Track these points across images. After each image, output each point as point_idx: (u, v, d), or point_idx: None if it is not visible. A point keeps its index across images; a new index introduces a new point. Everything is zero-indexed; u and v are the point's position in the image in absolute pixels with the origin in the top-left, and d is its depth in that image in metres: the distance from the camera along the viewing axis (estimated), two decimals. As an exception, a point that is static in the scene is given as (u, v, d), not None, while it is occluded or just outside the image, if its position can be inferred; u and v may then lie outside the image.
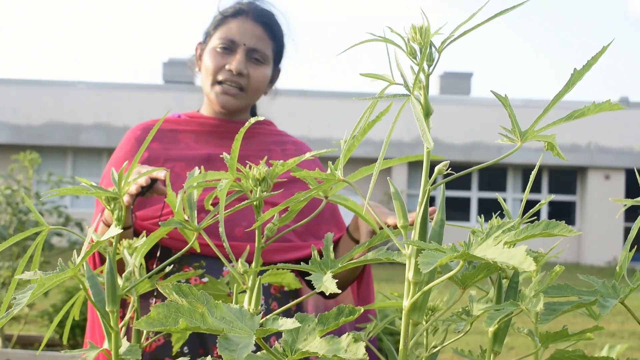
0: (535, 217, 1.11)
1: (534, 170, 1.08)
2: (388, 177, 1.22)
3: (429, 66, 1.03)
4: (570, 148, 21.72)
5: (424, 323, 1.16)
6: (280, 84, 2.47)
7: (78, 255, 1.21)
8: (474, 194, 23.09)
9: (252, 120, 1.27)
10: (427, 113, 1.02)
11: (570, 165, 22.59)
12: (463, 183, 22.78)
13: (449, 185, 22.75)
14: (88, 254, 1.21)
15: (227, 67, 2.27)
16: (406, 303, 1.09)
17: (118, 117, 21.95)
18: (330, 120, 21.52)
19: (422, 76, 1.03)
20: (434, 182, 1.08)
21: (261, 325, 0.99)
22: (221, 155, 1.32)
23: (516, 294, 1.18)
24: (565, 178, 23.06)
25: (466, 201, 23.01)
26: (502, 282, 1.19)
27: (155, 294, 2.12)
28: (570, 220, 22.34)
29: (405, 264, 1.08)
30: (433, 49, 1.03)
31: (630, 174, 22.79)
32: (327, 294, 2.17)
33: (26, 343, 6.96)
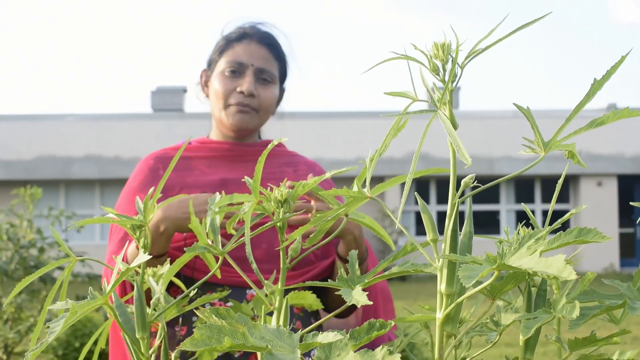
0: (562, 227, 1.12)
1: (560, 179, 1.10)
2: (415, 192, 1.23)
3: (452, 82, 1.05)
4: (562, 156, 21.72)
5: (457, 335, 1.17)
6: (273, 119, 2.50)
7: (106, 284, 1.23)
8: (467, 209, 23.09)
9: (275, 141, 1.29)
10: (455, 126, 1.04)
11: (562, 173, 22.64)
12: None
13: (441, 200, 22.77)
14: (117, 282, 1.22)
15: (238, 89, 2.30)
16: (439, 315, 1.10)
17: (109, 148, 21.94)
18: (322, 141, 21.57)
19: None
20: (461, 195, 1.09)
21: (301, 340, 1.01)
22: (242, 179, 1.33)
23: (545, 302, 1.19)
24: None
25: (461, 215, 22.98)
26: (531, 291, 1.20)
27: (179, 321, 2.14)
28: (565, 229, 22.33)
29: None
30: (456, 65, 1.05)
31: (622, 179, 22.87)
32: (344, 313, 2.18)
33: (31, 378, 6.92)
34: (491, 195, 23.16)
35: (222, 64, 2.35)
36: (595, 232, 0.97)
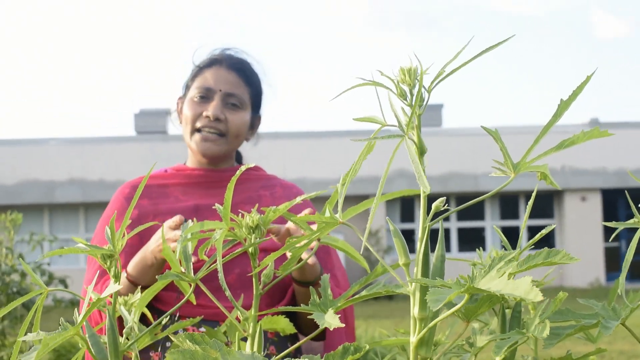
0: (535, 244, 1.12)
1: (532, 195, 1.10)
2: (387, 217, 1.23)
3: (420, 106, 1.04)
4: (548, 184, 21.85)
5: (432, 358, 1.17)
6: (249, 145, 2.51)
7: (78, 314, 1.22)
8: (453, 225, 23.17)
9: (243, 168, 1.29)
10: (422, 152, 1.03)
11: (546, 189, 22.72)
12: (441, 214, 22.83)
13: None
14: (88, 312, 1.21)
15: (204, 114, 2.29)
16: (413, 339, 1.10)
17: (92, 171, 21.90)
18: (305, 161, 21.60)
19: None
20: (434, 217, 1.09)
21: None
22: (213, 207, 1.33)
23: (519, 322, 1.19)
24: (542, 202, 23.19)
25: (446, 232, 23.09)
26: (505, 312, 1.20)
27: (153, 349, 2.14)
28: (550, 244, 22.42)
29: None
30: (422, 89, 1.05)
31: (606, 194, 22.96)
32: (315, 336, 2.18)
33: (15, 405, 6.86)
34: (476, 211, 23.22)
35: (192, 90, 2.36)
36: (563, 253, 0.97)
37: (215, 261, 1.24)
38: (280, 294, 2.25)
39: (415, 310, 1.10)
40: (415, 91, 1.02)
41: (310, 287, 1.36)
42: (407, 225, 22.50)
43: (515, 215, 23.26)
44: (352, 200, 1.29)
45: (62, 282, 6.77)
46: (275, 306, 2.17)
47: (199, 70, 2.38)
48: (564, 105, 1.01)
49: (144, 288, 2.03)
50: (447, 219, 24.27)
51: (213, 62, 2.37)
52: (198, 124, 2.31)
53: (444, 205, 1.09)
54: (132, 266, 2.10)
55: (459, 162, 21.80)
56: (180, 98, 2.45)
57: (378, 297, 1.25)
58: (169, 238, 1.94)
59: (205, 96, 2.32)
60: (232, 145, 2.36)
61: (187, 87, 2.40)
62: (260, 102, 2.45)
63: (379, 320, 13.45)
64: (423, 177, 0.94)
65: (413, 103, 1.02)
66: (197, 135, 2.31)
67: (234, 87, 2.34)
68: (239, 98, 2.34)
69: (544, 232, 1.09)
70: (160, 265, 2.05)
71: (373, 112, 1.07)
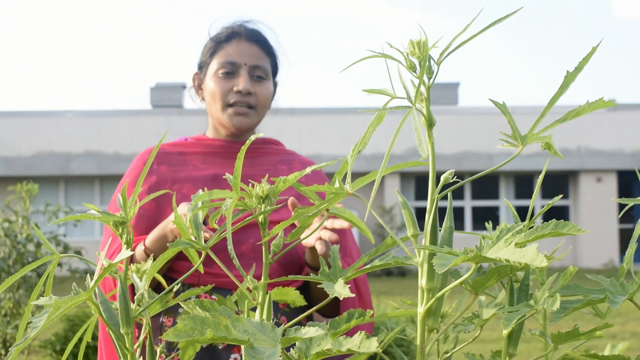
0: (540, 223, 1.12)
1: (540, 176, 1.10)
2: (396, 189, 1.23)
3: (429, 78, 1.05)
4: (561, 152, 21.63)
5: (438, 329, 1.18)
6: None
7: (90, 280, 1.23)
8: (468, 203, 23.14)
9: (253, 137, 1.31)
10: (430, 124, 1.04)
11: (562, 169, 22.67)
12: (456, 192, 22.85)
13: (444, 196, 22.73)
14: (100, 277, 1.23)
15: (234, 89, 2.32)
16: (421, 310, 1.11)
17: (108, 144, 21.97)
18: (320, 137, 21.60)
19: (422, 89, 1.05)
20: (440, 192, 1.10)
21: (283, 335, 1.01)
22: (224, 177, 1.34)
23: (527, 296, 1.20)
24: (557, 183, 23.12)
25: (460, 210, 23.06)
26: (513, 286, 1.21)
27: (166, 315, 2.17)
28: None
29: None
30: (432, 62, 1.05)
31: (621, 175, 22.87)
32: (328, 313, 2.19)
33: (29, 374, 6.95)
34: (491, 191, 23.19)
35: (214, 66, 2.36)
36: (571, 225, 0.97)
37: (226, 230, 1.25)
38: (298, 269, 2.27)
39: (422, 281, 1.11)
40: (423, 63, 1.02)
41: (320, 257, 1.37)
42: (422, 204, 22.47)
43: (529, 195, 23.18)
44: (360, 176, 1.30)
45: (77, 253, 6.83)
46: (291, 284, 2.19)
47: (218, 44, 2.38)
48: (570, 77, 1.01)
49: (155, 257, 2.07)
50: (461, 197, 24.13)
51: (232, 36, 2.38)
52: (230, 100, 2.33)
53: (452, 178, 1.09)
54: (150, 240, 2.11)
55: (474, 141, 21.74)
56: (196, 74, 2.46)
57: (391, 274, 1.27)
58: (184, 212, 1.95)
59: (231, 71, 2.34)
60: (261, 116, 2.40)
61: (206, 63, 2.41)
62: (277, 71, 2.48)
63: (391, 296, 13.50)
64: (422, 143, 0.95)
65: (421, 75, 1.02)
66: (229, 110, 2.33)
67: (258, 59, 2.37)
68: (264, 69, 2.37)
69: (551, 203, 1.09)
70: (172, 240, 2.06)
71: (386, 88, 1.08)
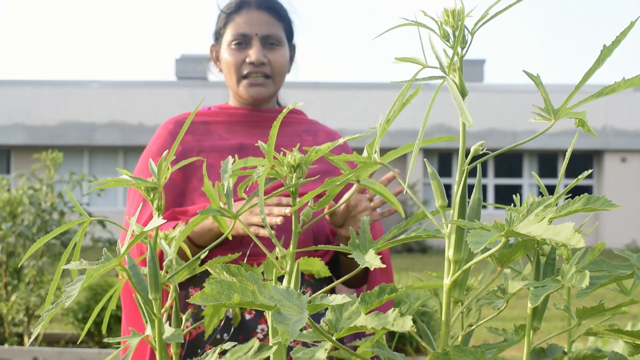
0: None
1: (568, 153, 1.10)
2: (425, 159, 1.24)
3: (462, 48, 1.05)
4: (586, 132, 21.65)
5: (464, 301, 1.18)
6: (291, 77, 2.50)
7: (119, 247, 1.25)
8: (491, 181, 23.05)
9: (288, 108, 1.30)
10: (463, 94, 1.04)
11: (586, 149, 22.51)
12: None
13: (470, 174, 22.67)
14: (132, 244, 1.24)
15: (247, 60, 2.32)
16: (447, 281, 1.11)
17: (132, 115, 22.02)
18: (344, 111, 21.55)
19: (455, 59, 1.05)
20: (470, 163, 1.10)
21: (309, 302, 1.02)
22: (256, 144, 1.35)
23: (554, 270, 1.20)
24: (582, 162, 22.96)
25: (483, 188, 22.92)
26: (540, 259, 1.21)
27: (192, 284, 2.18)
28: (588, 204, 22.19)
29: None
30: (465, 32, 1.05)
31: (646, 156, 22.68)
32: (353, 283, 2.19)
33: (52, 341, 7.01)
34: (514, 169, 23.08)
35: (227, 37, 2.37)
36: (603, 199, 0.97)
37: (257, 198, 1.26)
38: (325, 240, 2.28)
39: (450, 252, 1.11)
40: (457, 33, 1.02)
41: (350, 228, 1.38)
42: (444, 180, 22.40)
43: (553, 173, 23.07)
44: (384, 153, 1.30)
45: (101, 222, 6.87)
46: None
47: (228, 16, 2.38)
48: (606, 52, 1.01)
49: (199, 248, 2.08)
50: (485, 175, 23.95)
51: (241, 5, 2.37)
52: (244, 71, 2.34)
53: (482, 150, 1.10)
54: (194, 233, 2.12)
55: (498, 119, 21.61)
56: (213, 46, 2.46)
57: (411, 250, 1.27)
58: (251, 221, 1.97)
59: (242, 42, 2.34)
60: (278, 84, 2.40)
61: (220, 35, 2.41)
62: (292, 33, 2.46)
63: (412, 273, 13.52)
64: (465, 112, 0.95)
65: (455, 44, 1.02)
66: (244, 82, 2.34)
67: (269, 27, 2.35)
68: (276, 37, 2.36)
69: (580, 177, 1.09)
70: (219, 234, 2.08)
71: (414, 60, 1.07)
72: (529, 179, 22.87)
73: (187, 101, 21.00)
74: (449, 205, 1.16)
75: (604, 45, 1.01)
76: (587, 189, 23.08)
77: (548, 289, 1.12)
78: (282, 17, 2.40)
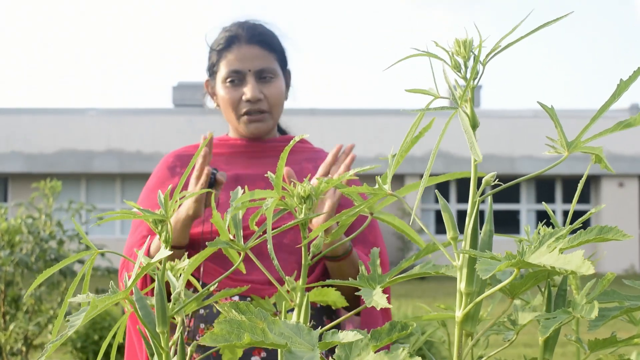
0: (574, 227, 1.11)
1: (582, 179, 1.09)
2: (436, 190, 1.23)
3: (474, 79, 1.05)
4: (583, 156, 21.70)
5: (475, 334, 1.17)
6: (289, 102, 2.49)
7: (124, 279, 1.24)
8: (488, 207, 23.04)
9: (297, 138, 1.29)
10: (474, 126, 1.04)
11: (583, 174, 22.54)
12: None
13: (462, 199, 22.72)
14: (139, 276, 1.23)
15: (243, 98, 2.30)
16: (459, 314, 1.10)
17: (130, 142, 22.04)
18: (342, 138, 21.58)
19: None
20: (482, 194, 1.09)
21: (320, 338, 1.01)
22: (262, 175, 1.34)
23: (565, 301, 1.19)
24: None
25: (480, 214, 22.91)
26: (551, 290, 1.20)
27: (202, 322, 2.17)
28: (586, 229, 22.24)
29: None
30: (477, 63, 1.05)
31: (644, 180, 22.71)
32: (350, 310, 2.18)
33: (50, 370, 6.98)
34: (512, 194, 23.08)
35: (221, 74, 2.34)
36: (615, 230, 0.97)
37: (265, 231, 1.25)
38: (310, 267, 2.26)
39: (462, 285, 1.10)
40: (470, 64, 1.02)
41: (352, 253, 1.36)
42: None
43: (551, 199, 23.09)
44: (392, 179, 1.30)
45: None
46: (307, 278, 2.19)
47: (220, 52, 2.35)
48: (623, 86, 1.00)
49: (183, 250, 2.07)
50: (482, 200, 24.32)
51: (231, 42, 2.33)
52: (242, 109, 2.32)
53: (494, 181, 1.09)
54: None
55: (495, 144, 21.66)
56: (207, 81, 2.44)
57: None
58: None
59: (236, 79, 2.31)
60: (277, 116, 2.38)
61: (214, 71, 2.38)
62: (286, 61, 2.42)
63: (411, 299, 13.46)
64: (475, 147, 0.95)
65: (468, 76, 1.02)
66: (243, 118, 2.33)
67: (262, 62, 2.32)
68: (270, 70, 2.33)
69: (586, 216, 1.09)
70: (187, 224, 2.09)
71: (416, 89, 1.07)
72: (527, 205, 22.87)
73: (185, 128, 21.04)
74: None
75: (621, 79, 1.00)
76: (585, 214, 23.05)
77: (558, 320, 1.11)
78: (274, 48, 2.36)
